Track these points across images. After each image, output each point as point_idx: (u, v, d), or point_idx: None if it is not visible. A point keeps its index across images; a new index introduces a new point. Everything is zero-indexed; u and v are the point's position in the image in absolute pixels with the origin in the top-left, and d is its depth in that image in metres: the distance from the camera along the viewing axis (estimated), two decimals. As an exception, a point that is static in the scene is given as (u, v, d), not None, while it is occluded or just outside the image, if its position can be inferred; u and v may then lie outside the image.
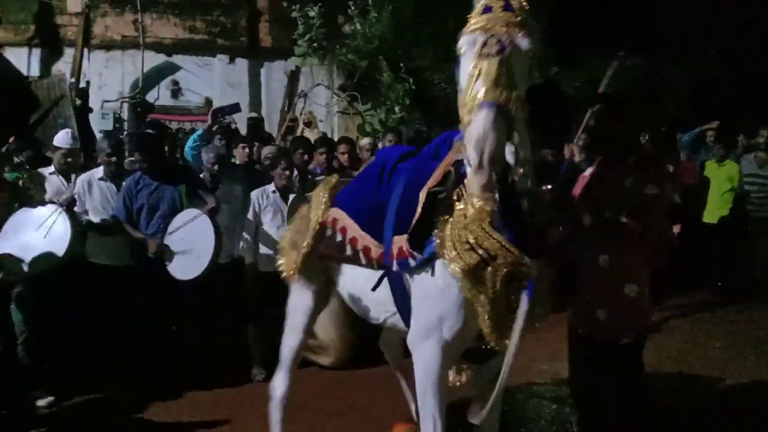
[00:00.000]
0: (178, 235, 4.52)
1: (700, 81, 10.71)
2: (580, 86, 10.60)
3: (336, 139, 7.54)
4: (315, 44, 8.62)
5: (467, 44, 2.22)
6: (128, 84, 11.20)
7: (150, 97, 11.34)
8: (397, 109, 8.55)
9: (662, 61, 10.80)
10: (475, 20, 2.21)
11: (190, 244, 4.46)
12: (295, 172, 5.31)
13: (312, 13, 8.60)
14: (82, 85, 9.66)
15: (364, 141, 6.37)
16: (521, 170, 2.20)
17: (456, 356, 2.47)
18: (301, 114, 9.29)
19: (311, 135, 8.44)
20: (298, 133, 8.60)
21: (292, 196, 5.04)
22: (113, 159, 4.79)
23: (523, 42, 2.17)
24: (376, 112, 8.78)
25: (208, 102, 11.67)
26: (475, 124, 2.01)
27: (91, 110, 9.44)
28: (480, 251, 2.17)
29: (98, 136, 7.40)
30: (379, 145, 6.17)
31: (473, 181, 2.08)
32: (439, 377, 2.37)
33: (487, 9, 2.20)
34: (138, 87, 10.84)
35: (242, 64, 11.30)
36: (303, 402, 3.97)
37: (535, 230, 2.25)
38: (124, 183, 4.74)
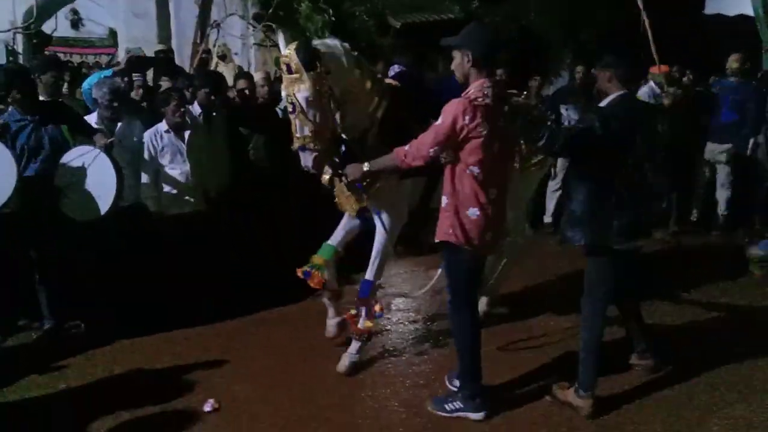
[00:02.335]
0: (72, 172, 4.17)
1: (619, 20, 10.89)
2: (500, 21, 10.60)
3: (254, 72, 7.23)
4: (226, -31, 8.10)
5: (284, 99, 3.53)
6: (21, 13, 10.25)
7: (47, 27, 10.45)
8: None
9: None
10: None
11: (87, 181, 4.14)
12: (199, 110, 5.05)
13: (221, -65, 8.04)
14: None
15: (257, 76, 6.12)
16: (344, 135, 3.64)
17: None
18: (214, 46, 8.78)
19: (226, 69, 8.02)
20: (212, 66, 8.14)
21: (187, 133, 4.77)
22: None
23: (301, 96, 3.27)
24: (295, 45, 8.41)
25: (113, 33, 10.91)
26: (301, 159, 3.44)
27: (-22, 41, 8.62)
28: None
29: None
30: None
31: None
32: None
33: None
34: (32, 16, 9.88)
35: (149, -8, 10.55)
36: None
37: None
38: None
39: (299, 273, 3.97)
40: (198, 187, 4.89)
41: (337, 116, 3.52)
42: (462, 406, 3.38)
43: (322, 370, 3.90)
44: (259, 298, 4.76)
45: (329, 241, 4.04)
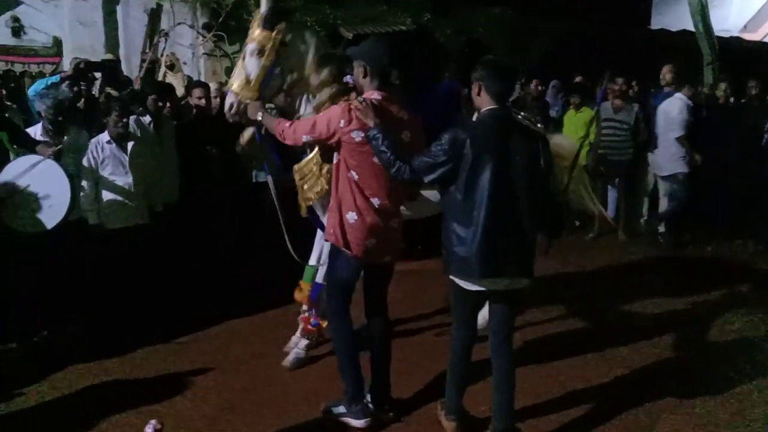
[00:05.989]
0: (21, 183, 4.03)
1: (566, 33, 11.17)
2: (450, 34, 10.72)
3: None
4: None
5: None
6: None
7: (-15, 35, 10.07)
8: (267, 51, 8.12)
9: (529, 13, 11.14)
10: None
11: (39, 191, 4.03)
12: (149, 118, 4.96)
13: (170, -55, 7.90)
14: None
15: (212, 86, 6.15)
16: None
17: None
18: (162, 55, 8.59)
19: (174, 78, 7.86)
20: (160, 76, 7.96)
21: (130, 144, 4.65)
22: None
23: (249, 47, 3.58)
24: (245, 55, 8.30)
25: (57, 42, 10.59)
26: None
27: None
28: None
29: None
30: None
31: None
32: None
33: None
34: (-31, 23, 9.55)
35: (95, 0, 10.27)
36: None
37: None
38: None
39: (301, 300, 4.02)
40: (142, 199, 4.75)
41: (281, 97, 3.78)
42: (345, 411, 3.35)
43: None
44: (204, 314, 4.68)
45: (309, 263, 4.05)
